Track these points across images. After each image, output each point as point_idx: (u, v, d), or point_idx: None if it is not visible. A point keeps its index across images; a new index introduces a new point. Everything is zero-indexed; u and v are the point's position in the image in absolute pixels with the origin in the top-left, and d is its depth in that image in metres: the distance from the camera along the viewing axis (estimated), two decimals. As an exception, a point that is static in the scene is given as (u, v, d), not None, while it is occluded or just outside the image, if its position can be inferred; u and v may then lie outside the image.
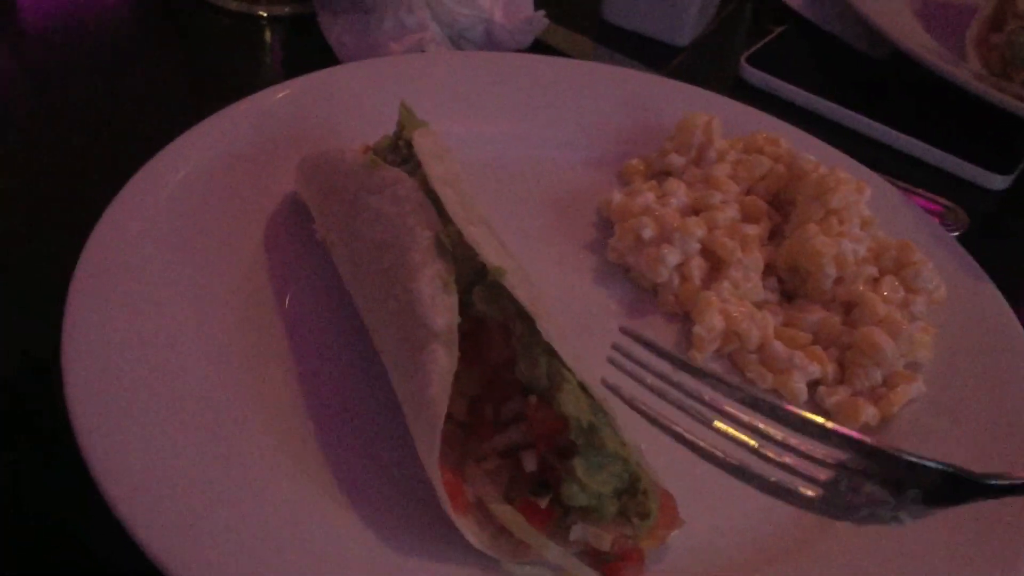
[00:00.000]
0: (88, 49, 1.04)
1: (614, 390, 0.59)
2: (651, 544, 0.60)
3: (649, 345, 0.60)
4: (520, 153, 0.90)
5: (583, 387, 0.59)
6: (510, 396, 0.62)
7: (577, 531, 0.58)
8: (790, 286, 0.79)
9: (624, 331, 0.62)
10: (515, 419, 0.61)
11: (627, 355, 0.61)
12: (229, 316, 0.69)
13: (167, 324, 0.66)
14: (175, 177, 0.76)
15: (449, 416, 0.60)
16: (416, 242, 0.63)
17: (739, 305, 0.75)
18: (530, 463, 0.59)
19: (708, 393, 0.57)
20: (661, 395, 0.58)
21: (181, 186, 0.76)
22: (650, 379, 0.60)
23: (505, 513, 0.59)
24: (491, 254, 0.62)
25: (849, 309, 0.75)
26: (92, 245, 0.68)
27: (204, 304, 0.69)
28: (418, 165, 0.70)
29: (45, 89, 0.98)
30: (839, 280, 0.76)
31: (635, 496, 0.59)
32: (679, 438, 0.57)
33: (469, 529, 0.58)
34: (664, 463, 0.63)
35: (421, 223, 0.64)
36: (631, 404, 0.59)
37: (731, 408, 0.57)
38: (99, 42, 1.06)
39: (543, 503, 0.59)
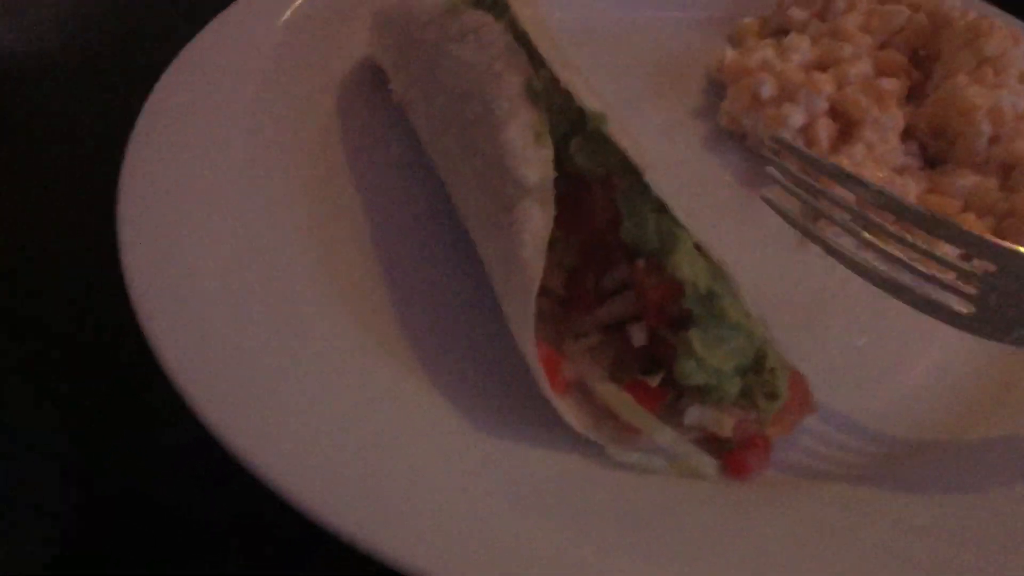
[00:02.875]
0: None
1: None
2: (779, 431, 0.52)
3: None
4: (617, 14, 0.81)
5: (700, 248, 0.50)
6: (614, 263, 0.54)
7: (694, 414, 0.51)
8: (934, 151, 0.69)
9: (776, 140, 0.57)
10: (621, 288, 0.53)
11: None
12: (299, 182, 0.63)
13: (234, 189, 0.60)
14: (247, 36, 0.69)
15: (544, 289, 0.52)
16: (504, 89, 0.55)
17: (875, 170, 0.65)
18: (639, 337, 0.52)
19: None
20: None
21: (253, 46, 0.69)
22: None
23: (610, 393, 0.51)
24: (590, 99, 0.54)
25: (1008, 172, 0.65)
26: (157, 96, 0.62)
27: (272, 170, 0.62)
28: (505, 8, 0.61)
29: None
30: (995, 139, 0.65)
31: (761, 375, 0.50)
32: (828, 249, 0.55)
33: (570, 411, 0.51)
34: (794, 340, 0.55)
35: (510, 68, 0.56)
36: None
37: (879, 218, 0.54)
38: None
39: (654, 381, 0.51)
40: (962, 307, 0.51)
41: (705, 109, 0.74)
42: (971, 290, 0.51)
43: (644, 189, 0.51)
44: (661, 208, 0.51)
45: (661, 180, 0.52)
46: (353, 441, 0.49)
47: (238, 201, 0.59)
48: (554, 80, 0.55)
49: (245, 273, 0.55)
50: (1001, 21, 0.75)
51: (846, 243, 0.55)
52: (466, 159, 0.56)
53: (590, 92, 0.56)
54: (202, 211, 0.57)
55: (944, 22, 0.71)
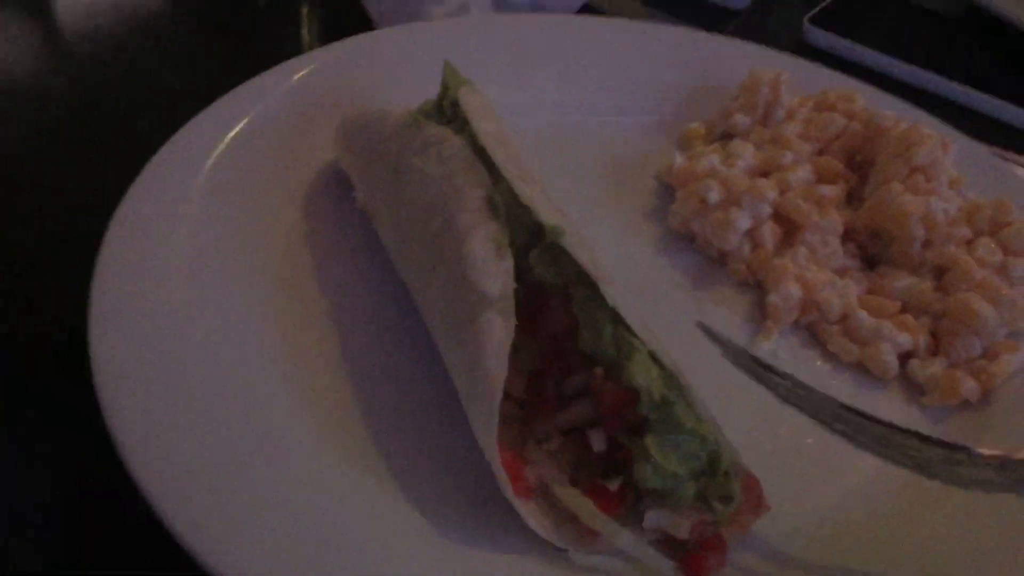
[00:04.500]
0: (122, 13, 1.00)
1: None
2: (734, 531, 0.54)
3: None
4: (573, 120, 0.85)
5: (654, 356, 0.53)
6: (573, 369, 0.56)
7: (652, 517, 0.52)
8: (872, 251, 0.73)
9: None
10: (579, 394, 0.55)
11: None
12: (267, 289, 0.64)
13: (201, 298, 0.61)
14: (211, 146, 0.71)
15: (506, 395, 0.54)
16: (465, 203, 0.58)
17: (817, 272, 0.68)
18: (598, 442, 0.54)
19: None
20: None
21: (217, 155, 0.71)
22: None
23: (571, 497, 0.53)
24: (548, 213, 0.57)
25: (940, 274, 0.69)
26: (123, 212, 0.64)
27: (241, 277, 0.64)
28: (465, 123, 0.64)
29: (78, 55, 0.95)
30: (928, 243, 0.69)
31: (715, 477, 0.52)
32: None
33: (532, 515, 0.52)
34: (746, 442, 0.57)
35: (470, 182, 0.59)
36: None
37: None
38: (134, 7, 1.02)
39: (613, 486, 0.53)
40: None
41: (657, 211, 0.78)
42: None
43: (601, 300, 0.54)
44: (617, 318, 0.53)
45: (617, 291, 0.54)
46: (316, 546, 0.50)
47: (207, 313, 0.60)
48: (513, 194, 0.58)
49: (215, 383, 0.57)
50: (932, 127, 0.79)
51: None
52: (431, 270, 0.58)
53: (548, 205, 0.59)
54: (171, 325, 0.59)
55: (878, 131, 0.75)
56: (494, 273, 0.54)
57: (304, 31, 1.04)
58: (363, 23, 0.97)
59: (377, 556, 0.50)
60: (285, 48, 0.98)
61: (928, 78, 0.99)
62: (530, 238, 0.57)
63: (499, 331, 0.53)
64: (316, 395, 0.59)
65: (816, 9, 1.07)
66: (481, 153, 0.61)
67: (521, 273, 0.56)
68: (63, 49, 0.96)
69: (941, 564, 0.54)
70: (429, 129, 0.64)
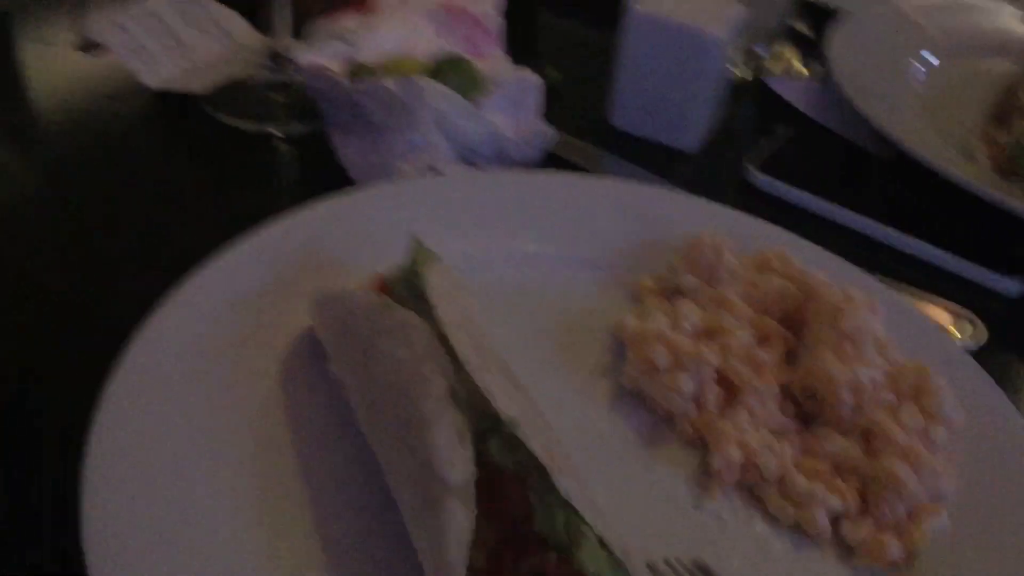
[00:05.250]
0: (100, 166, 1.05)
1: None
2: None
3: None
4: (533, 273, 0.91)
5: (602, 543, 0.58)
6: (530, 549, 0.61)
7: None
8: (809, 410, 0.78)
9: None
10: (537, 573, 0.60)
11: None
12: (245, 460, 0.69)
13: (183, 471, 0.66)
14: (189, 320, 0.76)
15: (469, 567, 0.59)
16: (431, 391, 0.63)
17: (757, 435, 0.74)
18: (553, 621, 0.58)
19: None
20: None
21: (195, 327, 0.76)
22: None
23: (528, 675, 0.58)
24: (505, 403, 0.62)
25: (869, 437, 0.74)
26: (108, 394, 0.68)
27: (220, 448, 0.69)
28: (432, 306, 0.70)
29: (55, 203, 0.99)
30: (857, 407, 0.75)
31: (659, 659, 0.57)
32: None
33: None
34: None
35: (434, 371, 0.64)
36: None
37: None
38: (111, 161, 1.07)
39: (566, 663, 0.58)
40: None
41: (610, 367, 0.83)
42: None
43: (553, 488, 0.59)
44: (569, 506, 0.59)
45: (569, 480, 0.59)
46: None
47: (189, 482, 0.65)
48: (473, 383, 0.63)
49: (197, 557, 0.61)
50: (863, 284, 0.87)
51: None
52: (399, 452, 0.63)
53: (508, 390, 0.64)
54: (157, 505, 0.63)
55: (811, 294, 0.82)
56: (456, 461, 0.60)
57: (282, 178, 1.10)
58: (342, 175, 1.03)
59: None
60: (263, 199, 1.05)
61: (864, 222, 1.07)
62: (490, 425, 0.62)
63: (460, 522, 0.57)
64: (292, 569, 0.63)
65: (763, 156, 1.14)
66: (445, 341, 0.66)
67: (481, 457, 0.61)
68: (32, 205, 1.01)
69: None
70: (397, 312, 0.69)
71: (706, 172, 1.16)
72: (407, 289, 0.75)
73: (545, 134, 1.08)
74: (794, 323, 0.84)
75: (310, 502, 0.68)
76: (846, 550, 0.71)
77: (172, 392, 0.71)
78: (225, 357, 0.75)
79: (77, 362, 0.79)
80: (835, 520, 0.71)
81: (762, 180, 1.11)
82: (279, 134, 1.12)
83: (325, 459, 0.71)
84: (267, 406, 0.73)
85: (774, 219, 0.98)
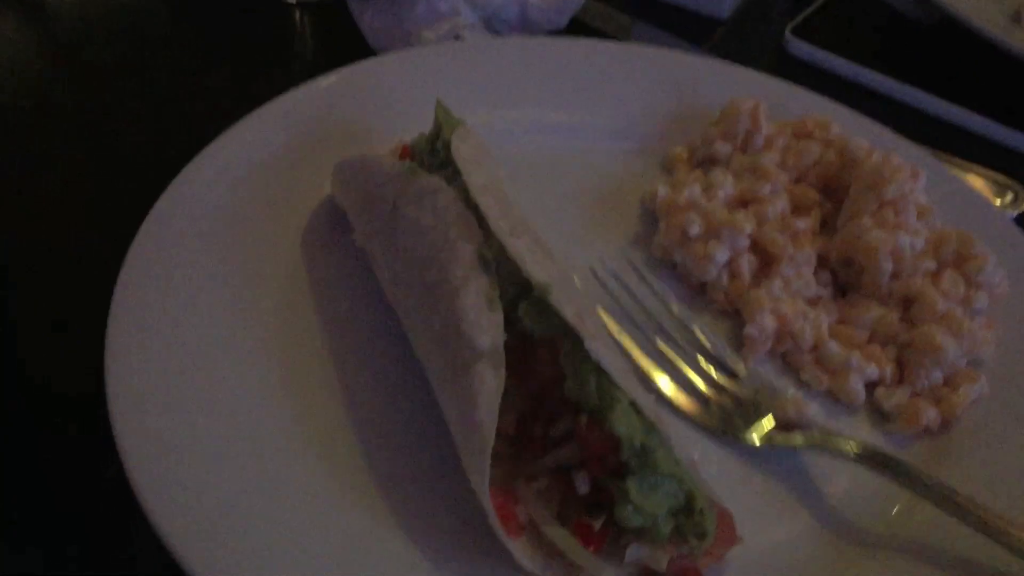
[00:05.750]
0: (116, 39, 1.03)
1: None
2: (708, 562, 0.58)
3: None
4: (560, 142, 0.88)
5: (634, 406, 0.57)
6: (560, 415, 0.60)
7: (633, 552, 0.57)
8: (845, 279, 0.77)
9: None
10: (566, 438, 0.60)
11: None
12: (269, 330, 0.68)
13: (207, 339, 0.66)
14: (212, 185, 0.75)
15: (497, 433, 0.58)
16: (458, 257, 0.62)
17: (792, 303, 0.72)
18: (582, 484, 0.58)
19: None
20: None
21: (218, 193, 0.75)
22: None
23: (559, 536, 0.57)
24: (535, 269, 0.60)
25: (907, 305, 0.73)
26: (131, 257, 0.68)
27: (243, 316, 0.68)
28: (457, 171, 0.67)
29: (73, 84, 0.97)
30: (895, 275, 0.73)
31: (691, 515, 0.57)
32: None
33: (523, 552, 0.57)
34: (719, 477, 0.62)
35: (463, 236, 0.62)
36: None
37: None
38: (129, 33, 1.04)
39: (597, 524, 0.57)
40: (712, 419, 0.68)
41: (641, 237, 0.81)
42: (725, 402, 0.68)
43: (585, 353, 0.58)
44: (600, 370, 0.57)
45: (600, 344, 0.58)
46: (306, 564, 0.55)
47: (214, 355, 0.65)
48: (503, 249, 0.61)
49: (221, 425, 0.61)
50: (904, 152, 0.83)
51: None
52: (426, 319, 0.62)
53: (538, 256, 0.62)
54: (181, 364, 0.63)
55: (851, 161, 0.79)
56: (485, 326, 0.58)
57: (299, 46, 1.07)
58: (360, 43, 1.00)
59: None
60: (280, 68, 1.02)
61: (904, 90, 1.02)
62: (519, 291, 0.61)
63: (490, 383, 0.57)
64: (317, 434, 0.63)
65: (797, 20, 1.10)
66: (473, 205, 0.64)
67: (510, 323, 0.60)
68: (54, 81, 0.98)
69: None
70: (423, 179, 0.67)
71: (740, 39, 1.12)
72: (431, 155, 0.73)
73: (572, 0, 1.03)
74: (832, 191, 0.81)
75: (335, 366, 0.67)
76: (879, 416, 0.70)
77: (195, 255, 0.70)
78: (248, 223, 0.74)
79: (103, 227, 0.78)
80: (869, 387, 0.70)
81: (797, 46, 1.07)
82: (295, 1, 1.08)
83: (349, 325, 0.70)
84: (289, 272, 0.73)
85: (810, 87, 0.94)
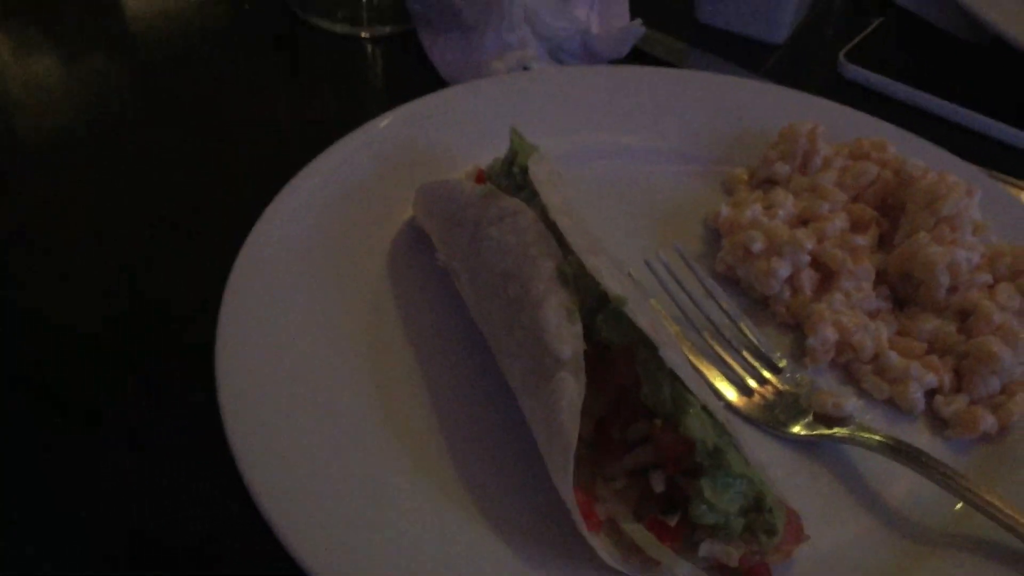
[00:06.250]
0: (195, 77, 1.09)
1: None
2: (778, 559, 0.62)
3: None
4: (625, 166, 0.93)
5: (707, 410, 0.61)
6: (636, 417, 0.64)
7: (706, 548, 0.61)
8: (902, 293, 0.80)
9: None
10: (642, 440, 0.64)
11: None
12: (362, 347, 0.74)
13: (307, 356, 0.71)
14: (302, 212, 0.81)
15: (578, 436, 0.63)
16: (539, 272, 0.66)
17: (852, 316, 0.76)
18: (659, 484, 0.62)
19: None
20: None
21: (308, 220, 0.81)
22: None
23: (636, 532, 0.62)
24: (612, 283, 0.65)
25: (964, 317, 0.76)
26: (232, 283, 0.73)
27: (339, 335, 0.74)
28: (534, 193, 0.72)
29: (154, 116, 1.03)
30: (953, 288, 0.76)
31: (761, 513, 0.61)
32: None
33: (603, 548, 0.61)
34: (788, 479, 0.66)
35: (543, 253, 0.67)
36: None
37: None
38: (206, 70, 1.10)
39: (672, 521, 0.61)
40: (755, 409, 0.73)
41: (705, 255, 0.86)
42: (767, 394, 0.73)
43: (660, 361, 0.62)
44: (675, 377, 0.62)
45: (674, 353, 0.62)
46: (409, 569, 0.59)
47: (314, 372, 0.70)
48: (581, 264, 0.66)
49: (325, 436, 0.66)
50: (960, 170, 0.87)
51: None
52: (509, 331, 0.67)
53: (613, 273, 0.67)
54: (285, 381, 0.69)
55: (908, 180, 0.82)
56: (566, 337, 0.63)
57: (373, 79, 1.13)
58: (430, 75, 1.05)
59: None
60: (356, 102, 1.07)
61: (957, 111, 1.05)
62: (597, 304, 0.65)
63: (572, 390, 0.61)
64: (411, 442, 0.68)
65: (850, 44, 1.13)
66: (551, 225, 0.69)
67: (589, 333, 0.64)
68: (137, 111, 1.04)
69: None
70: (503, 200, 0.72)
71: (794, 64, 1.16)
72: (507, 179, 0.78)
73: (633, 30, 1.08)
74: (889, 209, 0.85)
75: (424, 378, 0.72)
76: (938, 423, 0.73)
77: (291, 279, 0.76)
78: (337, 247, 0.79)
79: (199, 255, 0.84)
80: (928, 396, 0.74)
81: (851, 70, 1.11)
82: (368, 35, 1.14)
83: (435, 339, 0.75)
84: (377, 293, 0.78)
85: (864, 110, 0.97)
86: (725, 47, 1.15)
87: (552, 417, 0.61)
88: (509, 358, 0.68)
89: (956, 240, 0.77)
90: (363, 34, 1.15)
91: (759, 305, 0.81)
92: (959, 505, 0.67)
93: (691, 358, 0.75)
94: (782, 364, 0.75)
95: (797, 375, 0.74)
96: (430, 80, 1.05)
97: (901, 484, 0.68)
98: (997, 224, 0.83)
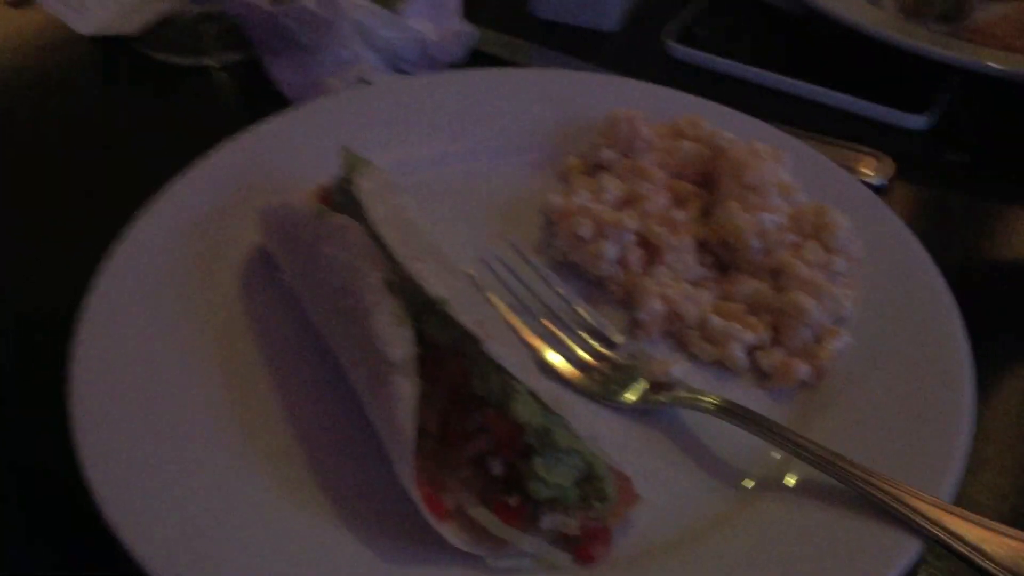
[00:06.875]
0: (43, 115, 1.10)
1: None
2: (615, 522, 0.67)
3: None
4: (465, 167, 0.97)
5: (533, 394, 0.66)
6: (472, 409, 0.69)
7: (547, 521, 0.65)
8: (725, 259, 0.86)
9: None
10: (479, 429, 0.68)
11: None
12: (215, 364, 0.76)
13: (161, 375, 0.74)
14: (153, 242, 0.83)
15: (424, 431, 0.67)
16: (367, 284, 0.70)
17: (676, 287, 0.81)
18: (496, 468, 0.67)
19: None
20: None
21: (158, 251, 0.83)
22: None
23: (482, 515, 0.66)
24: (435, 286, 0.69)
25: (777, 275, 0.82)
26: (87, 318, 0.75)
27: (191, 354, 0.76)
28: (362, 210, 0.76)
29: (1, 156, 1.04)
30: (765, 251, 0.82)
31: (593, 483, 0.66)
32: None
33: (453, 534, 0.65)
34: (625, 447, 0.72)
35: (369, 265, 0.71)
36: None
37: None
38: (53, 104, 1.11)
39: (514, 501, 0.66)
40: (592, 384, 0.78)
41: (544, 243, 0.90)
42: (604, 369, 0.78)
43: (485, 354, 0.66)
44: (500, 367, 0.66)
45: (498, 345, 0.67)
46: (268, 569, 0.63)
47: (168, 389, 0.73)
48: (406, 272, 0.70)
49: (178, 446, 0.69)
50: (770, 137, 0.93)
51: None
52: (347, 342, 0.71)
53: (439, 276, 0.71)
54: (140, 398, 0.72)
55: (719, 152, 0.88)
56: (397, 342, 0.67)
57: (223, 106, 1.15)
58: (278, 97, 1.08)
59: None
60: (205, 128, 1.09)
61: (778, 79, 1.12)
62: (424, 307, 0.69)
63: (405, 391, 0.65)
64: (264, 447, 0.71)
65: (675, 26, 1.19)
66: (377, 238, 0.73)
67: (421, 335, 0.68)
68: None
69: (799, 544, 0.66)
70: (333, 218, 0.75)
71: (628, 50, 1.21)
72: (343, 195, 0.81)
73: (467, 33, 1.12)
74: (708, 182, 0.91)
75: (276, 388, 0.76)
76: (760, 377, 0.79)
77: (143, 311, 0.78)
78: (188, 275, 0.82)
79: (49, 292, 0.86)
80: (751, 353, 0.79)
81: (680, 51, 1.16)
82: (214, 64, 1.16)
83: (286, 353, 0.79)
84: (230, 313, 0.81)
85: (695, 87, 1.03)
86: (561, 40, 1.20)
87: (391, 418, 0.65)
88: (352, 366, 0.72)
89: (763, 205, 0.83)
90: (210, 63, 1.17)
91: (595, 286, 0.86)
92: (781, 452, 0.72)
93: (533, 343, 0.80)
94: (617, 339, 0.80)
95: (632, 348, 0.80)
96: (279, 102, 1.07)
97: (728, 439, 0.73)
98: (807, 183, 0.89)
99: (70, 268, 0.81)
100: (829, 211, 0.83)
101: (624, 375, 0.77)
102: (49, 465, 0.72)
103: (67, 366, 0.72)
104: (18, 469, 0.73)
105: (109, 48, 1.19)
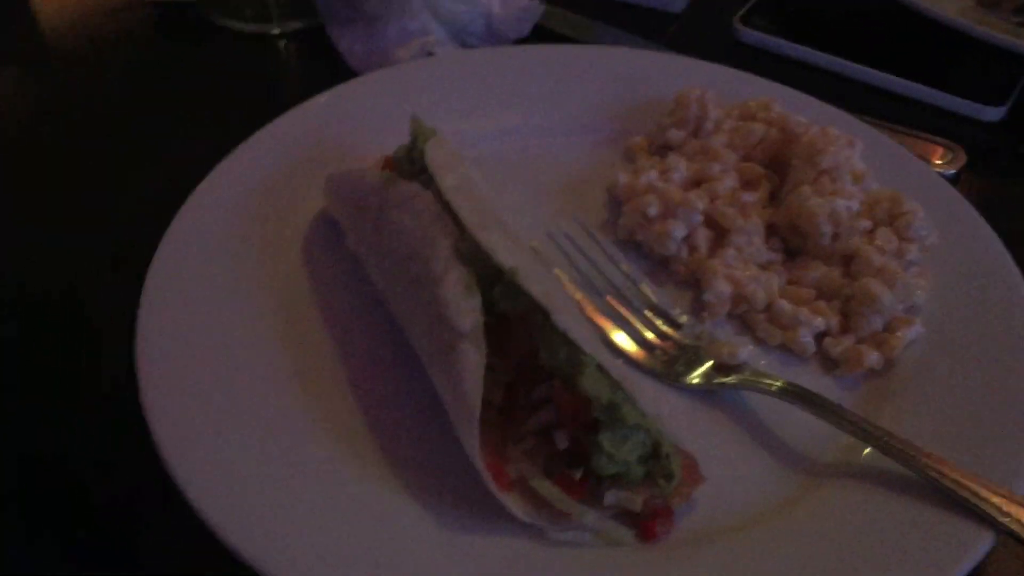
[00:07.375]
0: (107, 77, 1.11)
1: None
2: (678, 501, 0.66)
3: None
4: (530, 142, 0.96)
5: (601, 369, 0.65)
6: (538, 381, 0.68)
7: (610, 496, 0.65)
8: (793, 244, 0.84)
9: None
10: (545, 401, 0.68)
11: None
12: (280, 331, 0.76)
13: (227, 345, 0.74)
14: (218, 207, 0.83)
15: (488, 403, 0.67)
16: (437, 252, 0.70)
17: (745, 269, 0.80)
18: (562, 441, 0.66)
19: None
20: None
21: (223, 215, 0.83)
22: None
23: (545, 487, 0.66)
24: (505, 256, 0.68)
25: (848, 262, 0.80)
26: (151, 282, 0.76)
27: (257, 322, 0.76)
28: (432, 178, 0.76)
29: (69, 122, 1.05)
30: (836, 236, 0.81)
31: (659, 460, 0.65)
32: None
33: (515, 504, 0.65)
34: (690, 427, 0.71)
35: (440, 233, 0.71)
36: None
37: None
38: (118, 70, 1.12)
39: (577, 475, 0.65)
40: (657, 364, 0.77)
41: (608, 221, 0.89)
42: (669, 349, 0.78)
43: (554, 325, 0.66)
44: (569, 340, 0.66)
45: (567, 316, 0.66)
46: (336, 539, 0.63)
47: (235, 358, 0.73)
48: (477, 241, 0.70)
49: (243, 411, 0.70)
50: (843, 123, 0.91)
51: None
52: (414, 309, 0.71)
53: (507, 245, 0.70)
54: (207, 368, 0.72)
55: (792, 136, 0.86)
56: (465, 311, 0.66)
57: (285, 74, 1.15)
58: (342, 67, 1.08)
59: (389, 544, 0.63)
60: (268, 96, 1.10)
61: (848, 66, 1.10)
62: (493, 277, 0.69)
63: (472, 360, 0.65)
64: (329, 418, 0.71)
65: (743, 9, 1.17)
66: (447, 206, 0.72)
67: (489, 305, 0.68)
68: (48, 119, 1.06)
69: (866, 532, 0.65)
70: (402, 185, 0.75)
71: (694, 32, 1.20)
72: (409, 164, 0.81)
73: (533, 8, 1.11)
74: (778, 166, 0.89)
75: (339, 357, 0.76)
76: (828, 363, 0.77)
77: (209, 274, 0.78)
78: (253, 239, 0.82)
79: (116, 256, 0.86)
80: (818, 339, 0.78)
81: (747, 34, 1.15)
82: (278, 32, 1.16)
83: (349, 320, 0.79)
84: (293, 279, 0.81)
85: (761, 70, 1.02)
86: (627, 19, 1.19)
87: (457, 387, 0.65)
88: (418, 334, 0.71)
89: (836, 190, 0.81)
90: (274, 31, 1.17)
91: (660, 266, 0.85)
92: (848, 438, 0.71)
93: (597, 320, 0.79)
94: (683, 319, 0.79)
95: (697, 329, 0.79)
96: (343, 72, 1.07)
97: (794, 423, 0.72)
98: (879, 170, 0.87)
99: (134, 237, 0.81)
100: (904, 199, 0.82)
101: (689, 355, 0.76)
102: (49, 461, 0.73)
103: (135, 328, 0.72)
104: (18, 465, 0.73)
105: (173, 13, 1.19)
